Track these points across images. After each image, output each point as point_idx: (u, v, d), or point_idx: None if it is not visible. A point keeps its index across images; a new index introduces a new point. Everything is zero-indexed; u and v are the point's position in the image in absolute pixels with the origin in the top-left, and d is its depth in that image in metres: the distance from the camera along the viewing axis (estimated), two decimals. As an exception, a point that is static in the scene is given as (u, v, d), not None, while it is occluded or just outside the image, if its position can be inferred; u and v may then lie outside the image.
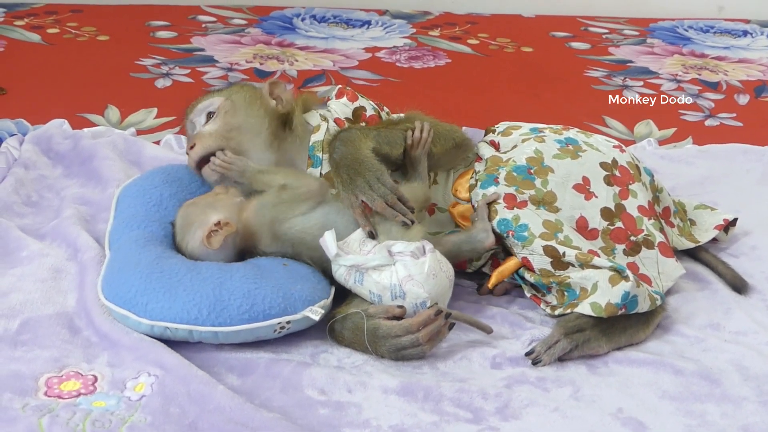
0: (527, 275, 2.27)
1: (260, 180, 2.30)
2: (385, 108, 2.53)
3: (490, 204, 2.30)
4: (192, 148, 2.39)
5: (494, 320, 2.26)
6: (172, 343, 2.11)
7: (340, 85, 2.56)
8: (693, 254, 2.53)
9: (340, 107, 2.47)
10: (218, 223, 2.23)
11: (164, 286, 2.12)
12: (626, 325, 2.18)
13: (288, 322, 2.12)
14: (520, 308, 2.33)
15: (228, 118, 2.42)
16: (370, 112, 2.48)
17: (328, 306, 2.18)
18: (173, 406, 1.93)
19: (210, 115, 2.44)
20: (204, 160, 2.37)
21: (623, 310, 2.15)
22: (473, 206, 2.34)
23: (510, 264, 2.27)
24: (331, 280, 2.23)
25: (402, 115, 2.48)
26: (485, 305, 2.32)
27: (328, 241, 2.15)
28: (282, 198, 2.26)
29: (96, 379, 2.02)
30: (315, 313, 2.13)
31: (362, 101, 2.49)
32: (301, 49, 4.04)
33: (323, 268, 2.23)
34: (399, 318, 2.12)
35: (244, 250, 2.28)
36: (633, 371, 2.11)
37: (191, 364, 2.02)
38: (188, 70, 3.74)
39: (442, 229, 2.39)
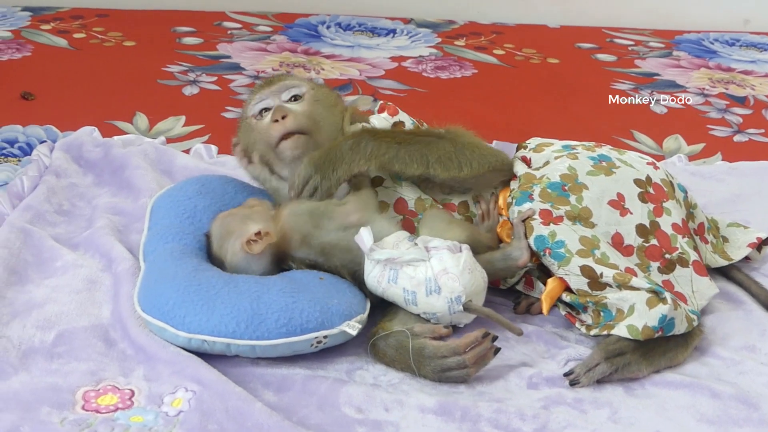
0: (563, 295, 2.26)
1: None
2: (424, 124, 2.52)
3: (525, 221, 2.29)
4: (283, 117, 2.37)
5: (530, 339, 2.25)
6: (207, 356, 2.10)
7: (382, 101, 2.56)
8: (725, 273, 2.53)
9: (381, 122, 2.46)
10: (258, 233, 2.23)
11: (202, 298, 2.12)
12: (666, 349, 2.17)
13: (325, 337, 2.11)
14: (555, 327, 2.32)
15: (316, 106, 2.42)
16: (408, 126, 2.47)
17: (364, 321, 2.17)
18: (211, 423, 1.93)
19: (296, 98, 2.42)
20: (287, 135, 2.36)
21: (660, 333, 2.14)
22: (511, 223, 2.33)
23: (555, 286, 2.26)
24: (366, 292, 2.22)
25: (441, 130, 2.44)
26: (520, 323, 2.30)
27: (364, 236, 2.15)
28: (317, 210, 2.26)
29: (133, 393, 2.02)
30: (352, 327, 2.12)
31: (402, 116, 2.48)
32: (327, 57, 4.04)
33: (353, 272, 2.23)
34: (444, 338, 2.11)
35: (277, 257, 2.28)
36: (670, 394, 2.10)
37: (228, 380, 2.02)
38: (215, 78, 3.74)
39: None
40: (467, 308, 2.14)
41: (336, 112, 2.45)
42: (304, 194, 2.28)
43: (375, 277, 2.17)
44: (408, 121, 2.48)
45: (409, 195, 2.36)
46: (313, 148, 2.33)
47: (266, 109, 2.42)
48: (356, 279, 2.24)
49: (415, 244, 2.19)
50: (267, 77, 2.55)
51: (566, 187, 2.33)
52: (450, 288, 2.12)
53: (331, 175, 2.27)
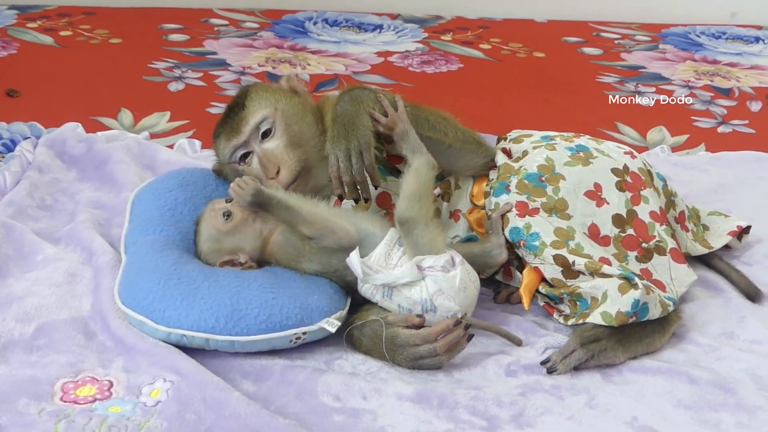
0: (540, 287, 2.27)
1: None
2: None
3: (503, 215, 2.30)
4: (277, 173, 2.30)
5: (508, 327, 2.26)
6: (187, 347, 2.11)
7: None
8: (706, 262, 2.54)
9: None
10: (244, 263, 2.24)
11: (182, 293, 2.12)
12: (642, 335, 2.18)
13: (304, 333, 2.12)
14: (534, 316, 2.33)
15: (290, 131, 2.34)
16: None
17: (343, 317, 2.18)
18: (189, 412, 1.93)
19: (268, 132, 2.34)
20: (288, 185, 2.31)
21: (634, 318, 2.15)
22: (487, 214, 2.34)
23: (532, 278, 2.27)
24: (347, 290, 2.22)
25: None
26: (500, 312, 2.33)
27: (355, 263, 2.13)
28: (307, 247, 2.23)
29: (112, 384, 2.02)
30: (331, 324, 2.13)
31: None
32: (314, 53, 4.05)
33: (342, 281, 2.22)
34: (418, 327, 2.12)
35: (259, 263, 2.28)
36: (647, 380, 2.11)
37: (207, 370, 2.03)
38: (201, 74, 3.75)
39: (463, 234, 2.40)
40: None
41: (309, 119, 2.37)
42: (355, 169, 2.19)
43: (368, 290, 2.16)
44: None
45: (392, 189, 2.35)
46: (311, 167, 2.31)
47: (247, 153, 2.36)
48: (343, 283, 2.23)
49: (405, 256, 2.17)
50: (227, 109, 2.41)
51: (543, 178, 2.34)
52: (446, 307, 2.12)
53: (355, 134, 2.21)
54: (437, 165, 2.25)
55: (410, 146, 2.24)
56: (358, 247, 2.15)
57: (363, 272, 2.13)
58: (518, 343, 2.19)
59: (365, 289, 2.16)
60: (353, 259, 2.14)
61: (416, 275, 2.12)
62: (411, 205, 2.17)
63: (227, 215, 2.24)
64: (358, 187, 2.21)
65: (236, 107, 2.38)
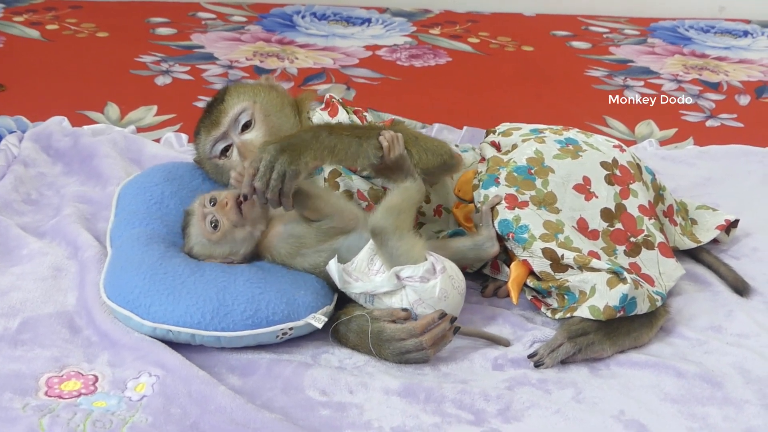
0: (528, 280, 2.26)
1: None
2: (367, 115, 2.48)
3: (493, 208, 2.29)
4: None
5: (496, 321, 2.26)
6: (173, 342, 2.10)
7: (329, 95, 2.50)
8: (694, 255, 2.53)
9: (318, 120, 2.42)
10: (231, 262, 2.24)
11: (168, 287, 2.11)
12: (630, 329, 2.17)
13: (290, 328, 2.11)
14: (522, 309, 2.32)
15: (269, 122, 2.37)
16: None
17: (330, 313, 2.17)
18: (174, 407, 1.92)
19: (247, 125, 2.37)
20: None
21: (622, 313, 2.15)
22: (476, 206, 2.33)
23: (521, 272, 2.25)
24: (335, 287, 2.21)
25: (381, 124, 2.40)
26: (487, 306, 2.32)
27: (334, 272, 2.12)
28: (312, 233, 2.22)
29: (96, 378, 2.01)
30: (318, 320, 2.12)
31: (341, 115, 2.42)
32: (302, 46, 4.03)
33: (330, 282, 2.21)
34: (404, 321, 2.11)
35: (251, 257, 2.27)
36: (635, 373, 2.11)
37: (192, 364, 2.02)
38: (188, 68, 3.73)
39: (447, 228, 2.39)
40: None
41: (288, 111, 2.41)
42: (273, 179, 2.11)
43: (352, 294, 2.16)
44: (346, 121, 2.41)
45: (363, 186, 2.35)
46: None
47: (227, 147, 2.39)
48: (330, 280, 2.21)
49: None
50: (206, 106, 2.47)
51: (532, 171, 2.33)
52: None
53: (299, 159, 2.13)
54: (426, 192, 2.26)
55: (405, 172, 2.23)
56: (336, 256, 2.14)
57: (342, 280, 2.12)
58: (506, 344, 2.18)
59: (348, 292, 2.16)
60: (332, 267, 2.13)
61: (395, 285, 2.11)
62: (387, 216, 2.13)
63: (214, 224, 2.22)
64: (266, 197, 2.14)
65: (215, 103, 2.43)
